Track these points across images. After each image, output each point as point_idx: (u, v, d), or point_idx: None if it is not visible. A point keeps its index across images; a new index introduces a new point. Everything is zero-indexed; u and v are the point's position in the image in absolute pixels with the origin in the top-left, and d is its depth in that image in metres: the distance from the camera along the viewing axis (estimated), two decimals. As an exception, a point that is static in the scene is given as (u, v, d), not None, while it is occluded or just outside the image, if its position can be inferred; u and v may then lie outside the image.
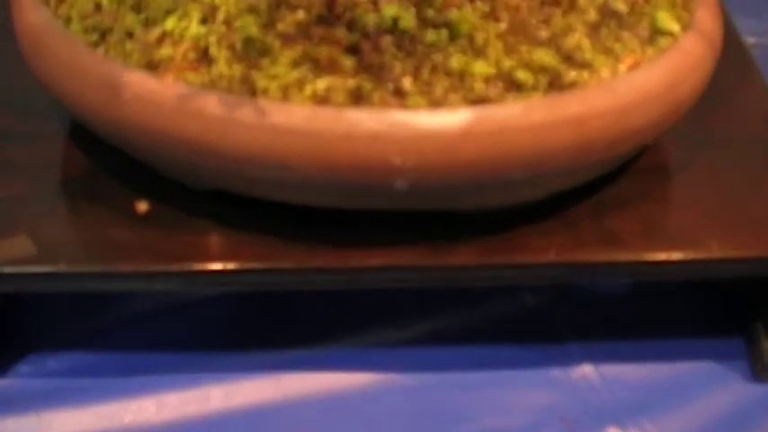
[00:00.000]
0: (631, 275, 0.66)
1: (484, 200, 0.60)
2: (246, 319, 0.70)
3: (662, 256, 0.62)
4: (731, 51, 0.73)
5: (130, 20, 0.60)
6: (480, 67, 0.56)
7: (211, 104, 0.54)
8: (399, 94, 0.55)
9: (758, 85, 0.75)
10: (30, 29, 0.62)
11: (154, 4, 0.60)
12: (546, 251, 0.62)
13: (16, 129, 0.69)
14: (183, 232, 0.62)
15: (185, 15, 0.59)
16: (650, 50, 0.61)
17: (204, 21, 0.59)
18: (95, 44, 0.60)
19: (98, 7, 0.62)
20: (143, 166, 0.63)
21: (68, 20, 0.62)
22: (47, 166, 0.67)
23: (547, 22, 0.59)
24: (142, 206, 0.63)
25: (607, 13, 0.61)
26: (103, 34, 0.61)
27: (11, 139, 0.68)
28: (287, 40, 0.57)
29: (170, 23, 0.59)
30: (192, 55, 0.58)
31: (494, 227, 0.62)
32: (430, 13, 0.58)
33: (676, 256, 0.62)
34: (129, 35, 0.60)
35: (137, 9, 0.61)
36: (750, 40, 1.00)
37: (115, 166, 0.65)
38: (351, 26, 0.58)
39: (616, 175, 0.65)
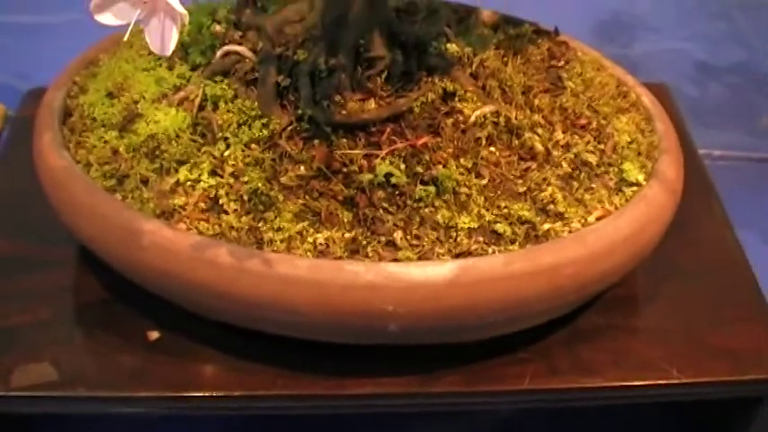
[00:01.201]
0: (601, 400, 0.72)
1: (466, 337, 0.66)
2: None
3: (629, 382, 0.68)
4: (694, 180, 0.80)
5: (145, 167, 0.67)
6: (464, 222, 0.63)
7: (223, 254, 0.60)
8: (391, 246, 0.62)
9: (718, 215, 0.82)
10: (51, 172, 0.68)
11: (167, 154, 0.66)
12: (522, 379, 0.68)
13: (36, 255, 0.75)
14: (190, 359, 0.67)
15: (196, 167, 0.65)
16: (617, 199, 0.67)
17: (214, 172, 0.65)
18: (113, 189, 0.66)
19: (115, 153, 0.68)
20: (153, 295, 0.69)
21: (88, 165, 0.68)
22: (65, 293, 0.72)
23: (523, 176, 0.66)
24: (153, 334, 0.69)
25: (578, 165, 0.68)
26: (120, 180, 0.67)
27: (33, 266, 0.74)
28: (289, 192, 0.64)
29: (182, 174, 0.65)
30: (203, 205, 0.64)
31: (475, 356, 0.68)
32: (418, 169, 0.64)
33: (641, 382, 0.68)
34: (145, 182, 0.66)
35: (151, 157, 0.67)
36: (714, 152, 1.07)
37: (127, 293, 0.71)
38: (347, 180, 0.64)
39: (588, 306, 0.72)
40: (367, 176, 0.63)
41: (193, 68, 0.71)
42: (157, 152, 0.67)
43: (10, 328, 0.69)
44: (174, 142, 0.67)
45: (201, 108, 0.68)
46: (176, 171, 0.66)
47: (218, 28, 0.73)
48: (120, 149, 0.68)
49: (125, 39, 0.56)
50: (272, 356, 0.67)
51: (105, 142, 0.69)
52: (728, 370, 0.69)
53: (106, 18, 0.52)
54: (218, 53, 0.69)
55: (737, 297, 0.75)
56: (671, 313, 0.73)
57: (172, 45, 0.52)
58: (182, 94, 0.70)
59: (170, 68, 0.72)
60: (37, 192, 0.71)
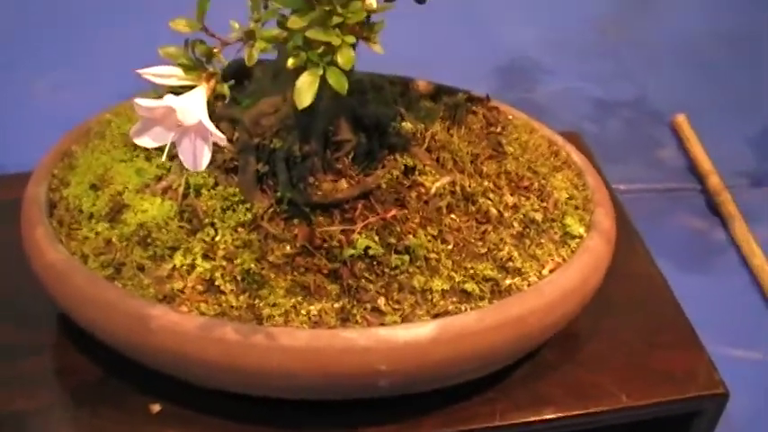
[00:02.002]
0: (561, 429, 0.81)
1: (445, 384, 0.74)
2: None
3: (584, 410, 0.77)
4: (618, 222, 0.89)
5: (139, 255, 0.73)
6: (437, 285, 0.71)
7: (230, 332, 0.67)
8: (376, 311, 0.70)
9: (640, 250, 0.92)
10: (50, 266, 0.74)
11: (159, 242, 0.73)
12: (492, 417, 0.76)
13: (23, 341, 0.80)
14: (194, 428, 0.74)
15: (189, 252, 0.72)
16: (563, 251, 0.77)
17: (206, 256, 0.72)
18: (111, 278, 0.72)
19: (108, 243, 0.74)
20: (149, 369, 0.75)
21: (84, 256, 0.74)
22: (61, 375, 0.78)
23: (482, 238, 0.74)
24: (155, 407, 0.75)
25: (527, 223, 0.77)
26: (118, 269, 0.73)
27: (23, 353, 0.79)
28: (278, 269, 0.71)
29: (177, 260, 0.72)
30: (200, 287, 0.71)
31: (450, 400, 0.76)
32: (391, 239, 0.72)
33: (595, 409, 0.78)
34: (141, 269, 0.72)
35: (144, 245, 0.73)
36: (620, 186, 1.18)
37: (122, 369, 0.77)
38: (329, 255, 0.71)
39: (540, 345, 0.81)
40: (348, 251, 0.71)
41: (171, 158, 0.78)
42: (149, 240, 0.73)
43: (15, 413, 0.74)
44: (163, 230, 0.73)
45: (185, 196, 0.75)
46: (170, 257, 0.72)
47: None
48: (113, 239, 0.74)
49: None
50: (266, 417, 0.74)
51: (97, 233, 0.75)
52: (670, 390, 0.79)
53: (144, 141, 0.58)
54: (197, 145, 0.75)
55: (667, 324, 0.85)
56: (612, 345, 0.82)
57: (205, 161, 0.58)
58: (164, 183, 0.76)
59: (147, 159, 0.78)
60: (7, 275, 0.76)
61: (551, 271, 0.74)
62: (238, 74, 0.80)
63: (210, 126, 0.56)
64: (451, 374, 0.71)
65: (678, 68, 1.41)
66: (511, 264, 0.74)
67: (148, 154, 0.79)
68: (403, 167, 0.76)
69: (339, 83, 0.54)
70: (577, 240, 0.78)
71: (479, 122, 0.84)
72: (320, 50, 0.53)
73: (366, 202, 0.74)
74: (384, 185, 0.74)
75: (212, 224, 0.73)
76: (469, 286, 0.72)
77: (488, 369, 0.74)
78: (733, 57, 1.44)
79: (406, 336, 0.68)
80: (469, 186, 0.77)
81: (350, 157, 0.75)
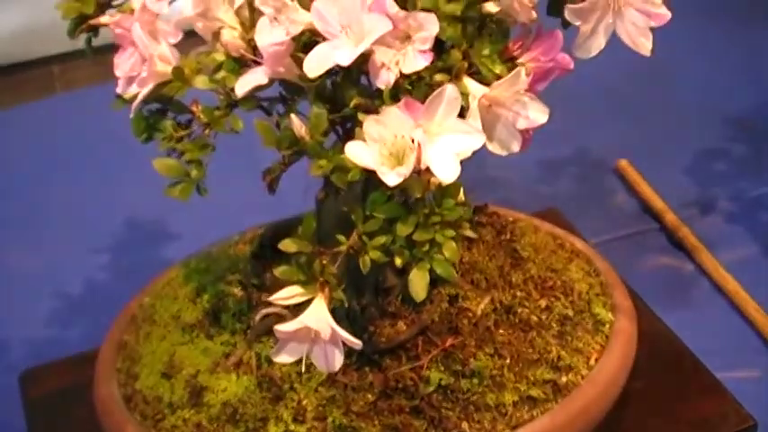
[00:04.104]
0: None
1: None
2: None
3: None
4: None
5: None
6: (507, 398, 0.79)
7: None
8: (464, 434, 0.77)
9: (642, 309, 1.01)
10: (100, 399, 0.80)
11: (247, 416, 0.79)
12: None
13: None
14: None
15: (279, 419, 0.79)
16: (599, 338, 0.86)
17: (295, 419, 0.79)
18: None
19: (198, 427, 0.80)
20: None
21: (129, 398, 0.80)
22: None
23: (531, 345, 0.83)
24: None
25: (563, 321, 0.86)
26: None
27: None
28: (365, 418, 0.78)
29: (272, 430, 0.78)
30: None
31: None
32: (457, 366, 0.80)
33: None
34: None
35: (233, 422, 0.79)
36: (592, 240, 1.27)
37: None
38: (407, 394, 0.79)
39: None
40: (426, 388, 0.78)
41: (232, 333, 0.84)
42: (237, 416, 0.79)
43: None
44: (248, 404, 0.80)
45: (259, 367, 0.81)
46: (264, 428, 0.78)
47: (236, 292, 0.86)
48: (203, 422, 0.80)
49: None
50: None
51: (185, 420, 0.81)
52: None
53: (283, 357, 0.65)
54: (258, 316, 0.82)
55: (688, 375, 0.94)
56: (649, 403, 0.92)
57: (338, 363, 0.65)
58: (233, 359, 0.83)
59: (209, 338, 0.85)
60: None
61: (596, 360, 0.83)
62: (278, 237, 0.87)
63: (343, 333, 0.63)
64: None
65: (607, 115, 1.52)
66: (561, 362, 0.82)
67: (209, 332, 0.85)
68: (448, 297, 0.84)
69: (448, 272, 0.62)
70: (608, 326, 0.87)
71: (489, 233, 0.93)
72: (425, 248, 0.61)
73: (424, 337, 0.81)
74: (436, 318, 0.82)
75: (292, 388, 0.79)
76: (534, 392, 0.80)
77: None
78: (650, 94, 1.55)
79: (497, 451, 0.76)
80: (506, 300, 0.85)
81: (399, 299, 0.82)
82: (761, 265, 1.24)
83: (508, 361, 0.81)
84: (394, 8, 0.61)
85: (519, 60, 0.69)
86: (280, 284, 0.82)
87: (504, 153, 0.65)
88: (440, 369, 0.80)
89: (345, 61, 0.59)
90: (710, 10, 1.70)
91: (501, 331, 0.83)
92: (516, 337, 0.83)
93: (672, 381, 0.94)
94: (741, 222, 1.31)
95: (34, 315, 1.22)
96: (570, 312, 0.86)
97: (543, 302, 0.86)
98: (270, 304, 0.82)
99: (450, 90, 0.59)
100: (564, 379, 0.81)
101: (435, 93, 0.58)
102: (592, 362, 0.83)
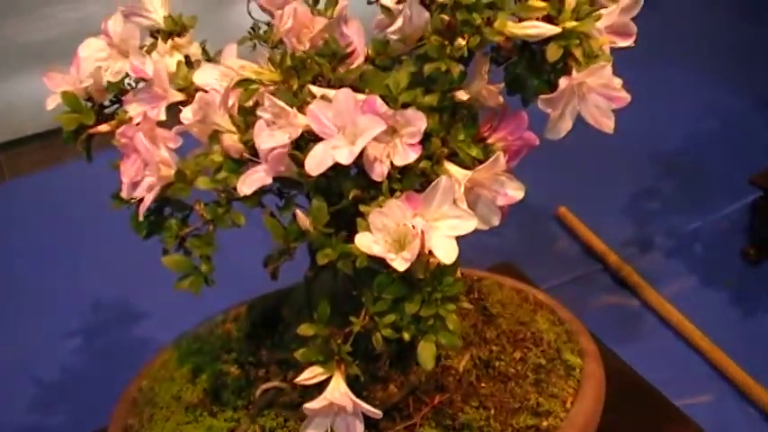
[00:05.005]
0: None
1: None
2: None
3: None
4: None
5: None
6: (497, 451, 0.86)
7: None
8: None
9: (602, 350, 1.09)
10: None
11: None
12: None
13: None
14: None
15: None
16: (571, 382, 0.93)
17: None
18: None
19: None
20: None
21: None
22: None
23: (512, 394, 0.90)
24: None
25: (537, 369, 0.93)
26: None
27: None
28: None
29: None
30: None
31: None
32: (447, 421, 0.87)
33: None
34: None
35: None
36: (542, 286, 1.35)
37: None
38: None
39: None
40: (425, 453, 0.85)
41: (234, 409, 0.89)
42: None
43: None
44: (255, 476, 0.85)
45: (262, 440, 0.87)
46: None
47: (233, 370, 0.92)
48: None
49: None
50: None
51: (197, 497, 0.86)
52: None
53: None
54: (258, 391, 0.88)
55: (652, 407, 1.02)
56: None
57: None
58: (238, 434, 0.88)
59: (213, 415, 0.90)
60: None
61: (572, 403, 0.90)
62: (266, 315, 0.93)
63: (364, 405, 0.69)
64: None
65: (542, 164, 1.60)
66: (541, 408, 0.89)
67: (211, 410, 0.90)
68: (431, 358, 0.90)
69: (452, 342, 0.69)
70: (578, 370, 0.94)
71: (459, 293, 1.00)
72: (430, 322, 0.68)
73: (414, 396, 0.88)
74: (424, 378, 0.89)
75: (295, 457, 0.85)
76: (521, 439, 0.87)
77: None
78: (581, 140, 1.64)
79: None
80: (483, 355, 0.92)
81: (387, 364, 0.89)
82: (701, 295, 1.34)
83: (493, 411, 0.88)
84: (383, 107, 0.67)
85: (489, 141, 0.76)
86: (276, 361, 0.88)
87: (485, 228, 0.72)
88: (432, 425, 0.86)
89: (346, 161, 0.66)
90: (628, 54, 1.81)
91: (483, 384, 0.90)
92: (498, 389, 0.90)
93: (639, 413, 1.02)
94: (678, 256, 1.40)
95: (13, 403, 1.25)
96: (543, 361, 0.94)
97: (517, 354, 0.93)
98: (269, 379, 0.88)
99: (444, 181, 0.66)
100: (545, 423, 0.88)
101: (432, 184, 0.65)
102: (568, 405, 0.90)
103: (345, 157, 0.66)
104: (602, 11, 0.71)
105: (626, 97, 0.69)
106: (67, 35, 1.70)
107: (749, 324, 1.27)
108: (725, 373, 1.19)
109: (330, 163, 0.67)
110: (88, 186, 1.60)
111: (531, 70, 0.75)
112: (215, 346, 0.96)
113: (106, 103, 0.83)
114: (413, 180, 0.69)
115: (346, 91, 0.67)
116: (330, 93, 0.71)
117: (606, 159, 1.60)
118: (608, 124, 0.70)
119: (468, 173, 0.69)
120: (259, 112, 0.69)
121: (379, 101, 0.67)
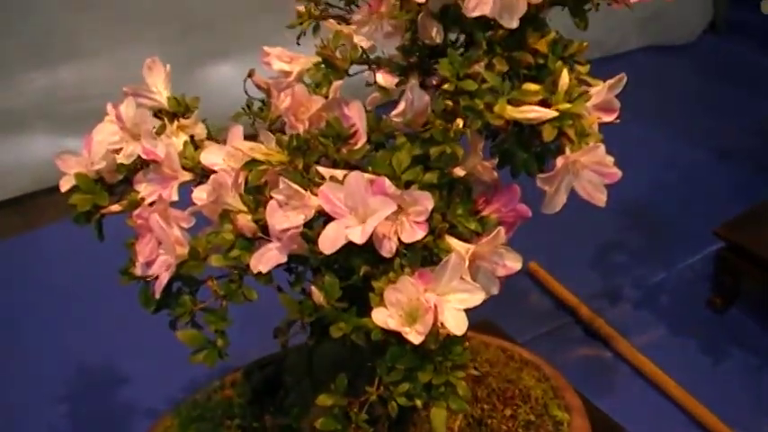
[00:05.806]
0: None
1: None
2: None
3: None
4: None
5: None
6: None
7: None
8: None
9: (593, 409, 1.14)
10: None
11: None
12: None
13: None
14: None
15: None
16: (561, 437, 0.98)
17: None
18: None
19: None
20: None
21: None
22: None
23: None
24: None
25: (528, 425, 0.97)
26: None
27: None
28: None
29: None
30: None
31: None
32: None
33: None
34: None
35: None
36: (519, 339, 1.39)
37: None
38: None
39: None
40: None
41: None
42: None
43: None
44: None
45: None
46: None
47: (236, 436, 0.95)
48: None
49: None
50: None
51: None
52: None
53: None
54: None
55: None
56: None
57: None
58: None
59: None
60: None
61: (565, 443, 0.95)
62: (267, 381, 0.96)
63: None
64: None
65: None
66: (535, 440, 0.94)
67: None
68: (427, 418, 0.94)
69: (462, 407, 0.73)
70: (566, 424, 0.99)
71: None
72: (441, 390, 0.72)
73: (410, 454, 0.92)
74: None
75: None
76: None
77: None
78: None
79: None
80: (476, 414, 0.96)
81: (386, 426, 0.93)
82: (671, 344, 1.39)
83: (487, 462, 0.92)
84: (392, 188, 0.72)
85: (483, 213, 0.81)
86: (279, 426, 0.91)
87: (485, 297, 0.76)
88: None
89: (360, 240, 0.70)
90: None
91: (476, 444, 0.94)
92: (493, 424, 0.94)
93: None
94: (647, 307, 1.46)
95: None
96: (532, 417, 0.98)
97: (508, 411, 0.98)
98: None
99: (454, 258, 0.70)
100: (539, 447, 0.93)
101: (442, 262, 0.70)
102: (563, 437, 0.95)
103: (358, 236, 0.70)
104: (591, 90, 0.76)
105: (617, 173, 0.74)
106: (35, 102, 1.73)
107: (720, 371, 1.33)
108: (700, 420, 1.24)
109: (343, 242, 0.71)
110: (62, 250, 1.64)
111: (519, 145, 0.80)
112: (217, 413, 0.99)
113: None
114: (417, 254, 0.73)
115: (357, 174, 0.71)
116: (337, 173, 0.75)
117: (573, 213, 1.66)
118: (600, 198, 0.75)
119: (470, 246, 0.74)
120: (273, 194, 0.73)
121: (387, 182, 0.71)
